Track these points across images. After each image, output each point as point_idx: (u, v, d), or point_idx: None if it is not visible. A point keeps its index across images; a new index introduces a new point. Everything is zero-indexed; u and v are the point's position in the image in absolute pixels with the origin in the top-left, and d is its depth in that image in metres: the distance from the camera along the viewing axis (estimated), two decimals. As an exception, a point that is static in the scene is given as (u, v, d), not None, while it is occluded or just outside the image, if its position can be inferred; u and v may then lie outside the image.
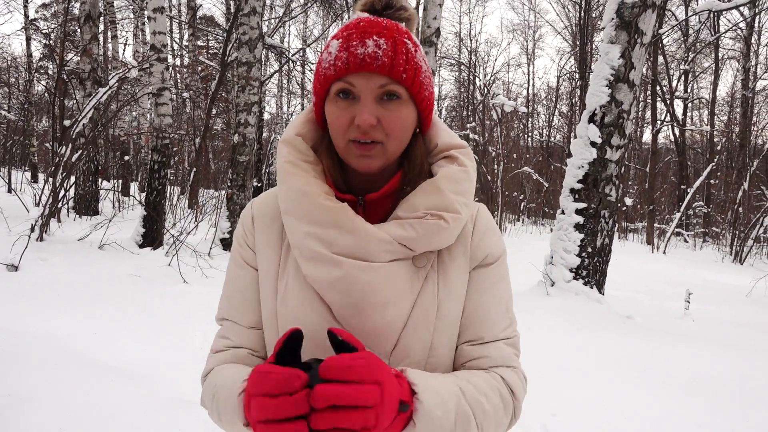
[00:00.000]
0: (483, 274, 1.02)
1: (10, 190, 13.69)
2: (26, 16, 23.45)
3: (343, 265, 0.89)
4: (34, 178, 18.60)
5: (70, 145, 6.66)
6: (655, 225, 20.49)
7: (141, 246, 7.73)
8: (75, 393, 2.99)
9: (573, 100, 29.43)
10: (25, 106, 19.48)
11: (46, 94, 9.53)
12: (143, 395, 3.05)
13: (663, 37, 20.62)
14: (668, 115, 21.81)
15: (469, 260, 1.01)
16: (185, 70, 20.98)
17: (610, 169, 6.32)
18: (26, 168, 20.38)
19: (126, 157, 15.03)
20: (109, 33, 17.40)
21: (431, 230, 0.92)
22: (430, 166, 1.02)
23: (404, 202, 0.95)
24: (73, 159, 7.02)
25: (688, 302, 6.82)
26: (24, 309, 4.40)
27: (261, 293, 1.02)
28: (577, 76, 26.36)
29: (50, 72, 9.38)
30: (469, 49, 36.36)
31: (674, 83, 25.21)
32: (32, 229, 6.67)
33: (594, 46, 24.66)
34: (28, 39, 24.12)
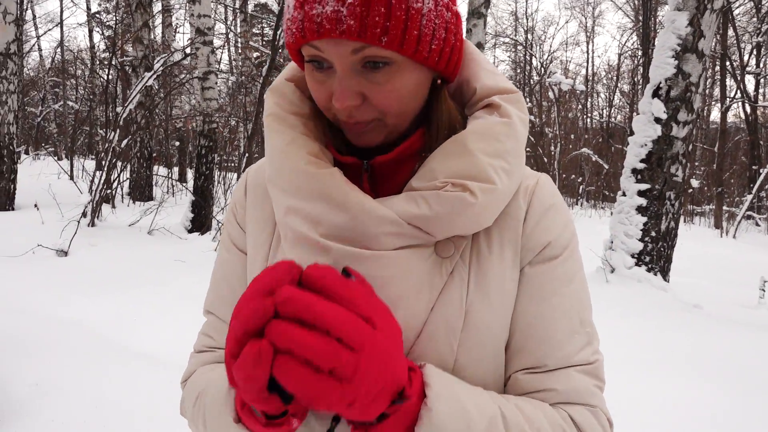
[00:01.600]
0: (543, 273, 0.75)
1: (72, 178, 14.15)
2: (89, 9, 24.21)
3: (332, 251, 0.67)
4: (99, 167, 19.15)
5: (118, 130, 6.67)
6: (724, 208, 19.47)
7: (189, 231, 7.75)
8: (103, 382, 2.91)
9: (635, 79, 28.26)
10: (90, 96, 20.10)
11: (109, 85, 9.68)
12: (172, 383, 2.95)
13: (734, 8, 19.42)
14: (739, 91, 20.61)
15: (520, 252, 0.75)
16: (239, 55, 21.17)
17: (676, 147, 5.86)
18: (92, 156, 21.10)
19: (177, 143, 15.26)
20: (163, 20, 17.68)
21: (451, 206, 0.67)
22: (466, 119, 0.77)
23: (421, 168, 0.71)
24: (122, 145, 7.04)
25: (763, 290, 6.32)
26: (67, 295, 4.41)
27: (249, 278, 0.82)
28: (640, 53, 25.26)
29: (113, 62, 9.49)
30: (525, 28, 35.36)
31: (745, 57, 23.79)
32: (84, 215, 6.75)
33: (657, 21, 23.53)
34: (91, 31, 24.91)
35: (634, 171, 6.02)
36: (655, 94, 5.92)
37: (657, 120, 5.87)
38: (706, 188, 23.86)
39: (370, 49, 0.65)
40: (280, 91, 0.79)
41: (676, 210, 5.96)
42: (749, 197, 16.61)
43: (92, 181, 7.22)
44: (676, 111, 5.82)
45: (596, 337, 0.77)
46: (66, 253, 5.63)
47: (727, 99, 20.17)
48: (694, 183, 16.99)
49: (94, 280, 4.84)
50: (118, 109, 7.56)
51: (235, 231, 0.86)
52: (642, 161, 5.95)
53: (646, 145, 5.93)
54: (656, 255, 5.91)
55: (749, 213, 20.48)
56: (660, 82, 5.87)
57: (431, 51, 0.69)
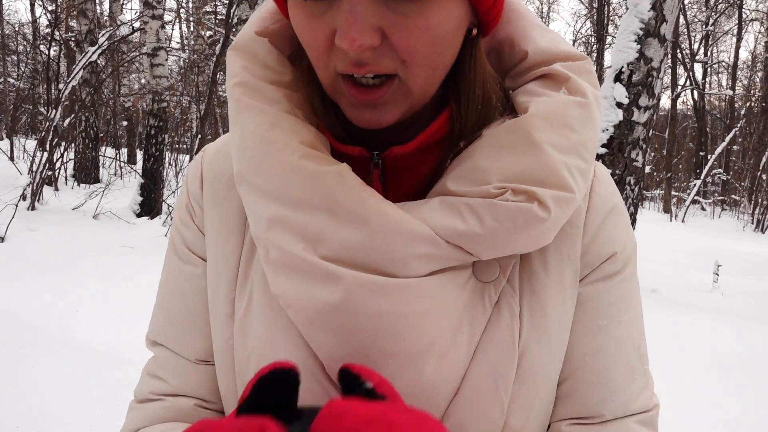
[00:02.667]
0: (601, 294, 0.59)
1: (12, 159, 13.44)
2: (29, -20, 22.93)
3: (342, 280, 0.49)
4: (41, 147, 18.30)
5: (60, 109, 6.28)
6: (672, 193, 19.97)
7: (138, 215, 7.41)
8: (47, 376, 2.68)
9: (589, 65, 28.57)
10: (32, 73, 19.15)
11: (52, 61, 9.10)
12: (119, 380, 2.73)
13: (685, -3, 19.84)
14: (688, 79, 21.10)
15: (579, 267, 0.59)
16: (191, 32, 20.48)
17: (637, 132, 5.86)
18: (35, 137, 20.12)
19: (125, 123, 14.66)
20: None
21: (512, 222, 0.50)
22: (507, 95, 0.59)
23: (460, 163, 0.53)
24: (65, 124, 6.64)
25: (717, 274, 6.43)
26: (2, 284, 4.09)
27: (210, 306, 0.62)
28: (594, 39, 25.55)
29: (56, 38, 8.96)
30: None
31: (694, 46, 24.34)
32: (23, 198, 6.36)
33: (612, 9, 23.84)
34: (33, 3, 23.70)
35: (596, 156, 5.99)
36: (617, 78, 5.90)
37: (619, 105, 5.85)
38: (655, 173, 24.44)
39: None
40: (249, 50, 0.58)
41: (635, 195, 5.97)
42: (697, 182, 17.07)
43: (32, 162, 6.80)
44: (638, 96, 5.81)
45: (651, 374, 0.62)
46: (2, 239, 5.27)
47: (678, 86, 20.63)
48: (646, 168, 17.35)
49: (31, 268, 4.52)
50: (61, 86, 7.14)
51: (191, 234, 0.65)
52: (603, 146, 5.93)
53: (607, 129, 5.91)
54: (616, 240, 5.93)
55: (696, 198, 21.10)
56: (622, 66, 5.84)
57: None
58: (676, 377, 3.38)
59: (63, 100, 6.33)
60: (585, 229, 0.59)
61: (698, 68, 25.01)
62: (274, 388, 0.40)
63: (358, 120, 0.53)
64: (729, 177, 23.06)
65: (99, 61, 8.34)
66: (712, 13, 22.83)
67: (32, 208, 6.52)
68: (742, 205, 20.84)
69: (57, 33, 8.70)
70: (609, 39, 24.34)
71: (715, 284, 6.41)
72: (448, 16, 0.49)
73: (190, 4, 22.69)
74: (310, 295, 0.50)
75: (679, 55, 20.29)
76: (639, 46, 5.74)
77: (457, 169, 0.53)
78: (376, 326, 0.50)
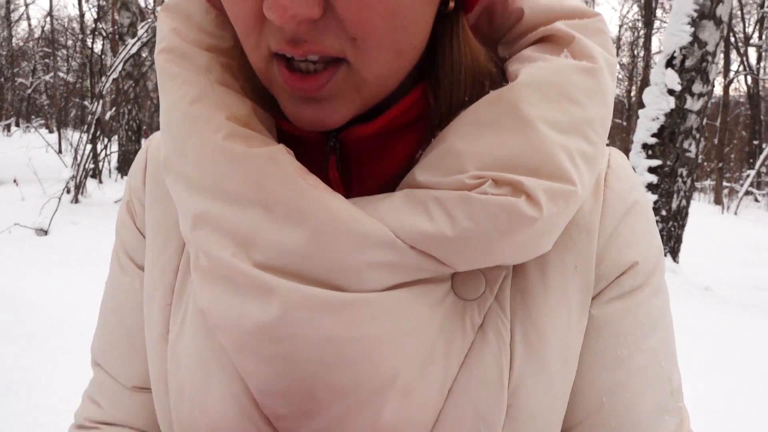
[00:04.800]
0: (620, 316, 0.47)
1: (60, 151, 13.81)
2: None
3: (277, 294, 0.39)
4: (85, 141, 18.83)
5: (101, 102, 6.34)
6: (724, 183, 19.28)
7: (179, 207, 7.48)
8: (81, 369, 2.66)
9: (635, 51, 27.82)
10: (82, 67, 19.67)
11: (102, 55, 9.25)
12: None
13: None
14: (742, 64, 20.27)
15: (591, 281, 0.47)
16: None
17: (690, 120, 5.57)
18: (84, 129, 20.70)
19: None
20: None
21: (492, 222, 0.39)
22: (501, 68, 0.47)
23: (432, 149, 0.42)
24: (107, 117, 6.71)
25: (777, 273, 6.11)
26: (43, 276, 4.16)
27: (146, 325, 0.52)
28: (641, 24, 24.81)
29: (99, 31, 9.13)
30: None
31: (749, 29, 23.36)
32: (67, 191, 6.46)
33: (660, -8, 23.09)
34: (80, 1, 24.34)
35: (645, 146, 5.73)
36: (669, 64, 5.61)
37: (670, 92, 5.57)
38: (705, 163, 23.64)
39: None
40: (182, 10, 0.47)
41: (687, 188, 5.70)
42: (752, 173, 16.38)
43: (75, 155, 6.90)
44: (691, 82, 5.52)
45: (686, 410, 0.50)
46: (46, 232, 5.35)
47: (731, 72, 19.84)
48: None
49: (72, 261, 4.58)
50: (103, 79, 7.21)
51: (130, 237, 0.55)
52: (654, 135, 5.66)
53: (658, 118, 5.64)
54: (666, 235, 5.67)
55: (749, 189, 20.31)
56: (674, 51, 5.55)
57: None
58: (734, 384, 3.18)
59: (104, 93, 6.39)
60: (601, 232, 0.47)
61: (752, 52, 24.04)
62: None
63: (297, 118, 0.42)
64: (785, 166, 22.14)
65: (142, 54, 8.41)
66: (768, -5, 21.83)
67: (76, 201, 6.61)
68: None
69: (102, 26, 8.82)
70: (657, 24, 23.57)
71: (775, 282, 6.09)
72: None
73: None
74: (239, 313, 0.40)
75: (732, 39, 19.48)
76: (693, 29, 5.44)
77: (429, 154, 0.42)
78: (320, 354, 0.40)
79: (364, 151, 0.45)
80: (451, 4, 0.42)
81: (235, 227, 0.40)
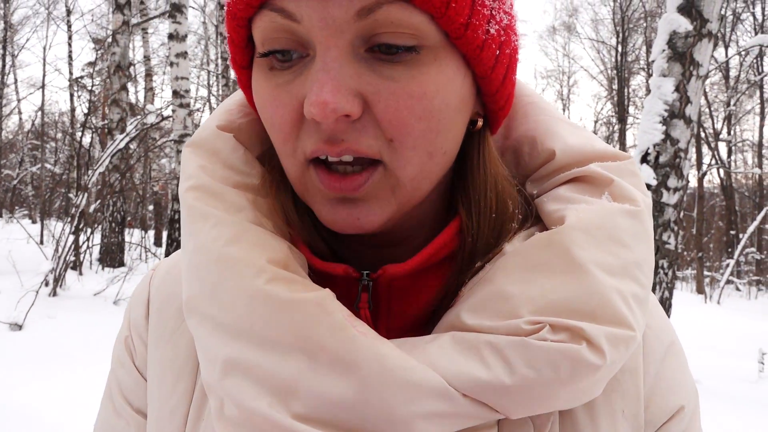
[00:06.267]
0: None
1: (42, 242, 13.68)
2: (71, 73, 24.23)
3: None
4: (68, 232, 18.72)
5: (86, 194, 6.36)
6: (705, 273, 19.47)
7: (160, 300, 7.34)
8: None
9: (611, 144, 28.79)
10: (69, 159, 19.91)
11: (90, 148, 9.44)
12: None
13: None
14: (713, 158, 21.01)
15: (641, 427, 0.45)
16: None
17: (667, 214, 5.69)
18: (68, 221, 20.59)
19: (151, 207, 14.96)
20: (145, 85, 17.70)
21: (554, 370, 0.38)
22: (529, 203, 0.48)
23: (478, 289, 0.42)
24: (91, 209, 6.71)
25: (762, 363, 6.05)
26: (15, 375, 3.98)
27: None
28: (614, 119, 25.84)
29: (89, 125, 9.36)
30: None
31: (717, 125, 24.42)
32: (46, 284, 6.34)
33: (631, 91, 24.24)
34: (72, 96, 24.94)
35: (625, 238, 5.83)
36: (644, 160, 5.80)
37: (647, 186, 5.72)
38: (685, 252, 23.96)
39: (390, 9, 0.36)
40: (209, 147, 0.46)
41: (669, 279, 5.74)
42: (731, 262, 16.60)
43: (56, 248, 6.83)
44: (666, 177, 5.69)
45: None
46: (20, 327, 5.19)
47: (704, 165, 20.53)
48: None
49: (47, 358, 4.41)
50: (90, 172, 7.29)
51: (128, 377, 0.52)
52: (633, 228, 5.78)
53: (636, 211, 5.77)
54: (651, 326, 5.66)
55: (730, 278, 20.49)
56: (648, 148, 5.76)
57: (488, 37, 0.39)
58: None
59: (90, 186, 6.42)
60: (645, 378, 0.45)
61: (722, 147, 24.99)
62: None
63: (334, 221, 0.41)
64: (763, 256, 22.46)
65: (130, 147, 8.55)
66: (734, 93, 22.99)
67: (54, 294, 6.48)
68: (780, 285, 20.17)
69: (92, 121, 9.01)
70: (630, 119, 24.56)
71: (761, 374, 6.02)
72: (446, 86, 0.39)
73: (220, 92, 23.63)
74: None
75: (703, 135, 20.30)
76: (664, 128, 5.68)
77: (474, 297, 0.41)
78: None
79: (396, 288, 0.44)
80: (480, 122, 0.44)
81: (274, 376, 0.38)
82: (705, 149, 21.95)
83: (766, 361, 6.17)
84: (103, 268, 10.32)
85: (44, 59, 24.11)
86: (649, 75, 5.78)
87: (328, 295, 0.40)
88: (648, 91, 5.90)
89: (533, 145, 0.48)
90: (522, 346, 0.38)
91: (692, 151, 5.52)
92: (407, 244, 0.44)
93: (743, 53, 18.77)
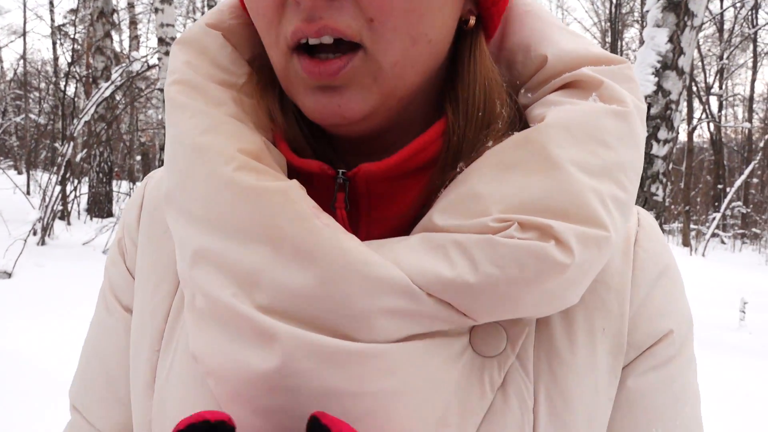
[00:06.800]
0: (652, 388, 0.45)
1: (28, 193, 13.57)
2: (53, 21, 23.58)
3: (279, 341, 0.36)
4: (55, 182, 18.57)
5: (72, 144, 6.28)
6: (691, 226, 19.71)
7: (149, 250, 7.36)
8: (47, 420, 2.55)
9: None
10: (53, 109, 19.57)
11: (75, 98, 9.30)
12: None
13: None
14: (704, 112, 20.99)
15: (622, 347, 0.44)
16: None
17: (656, 165, 5.72)
18: (54, 171, 20.41)
19: (139, 158, 14.82)
20: (130, 33, 17.26)
21: (519, 268, 0.37)
22: (523, 112, 0.46)
23: (451, 189, 0.41)
24: (77, 158, 6.64)
25: (743, 312, 6.19)
26: (4, 321, 4.01)
27: (130, 371, 0.49)
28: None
29: (77, 75, 9.16)
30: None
31: (710, 79, 24.31)
32: (34, 233, 6.32)
33: (625, 43, 23.99)
34: (55, 44, 24.34)
35: (614, 190, 5.86)
36: (634, 111, 5.80)
37: (637, 137, 5.73)
38: (672, 206, 24.18)
39: None
40: (198, 44, 0.46)
41: (656, 230, 5.81)
42: (717, 216, 16.78)
43: (44, 197, 6.78)
44: (657, 129, 5.68)
45: None
46: (9, 275, 5.20)
47: (694, 119, 20.52)
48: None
49: (36, 305, 4.44)
50: (75, 121, 7.18)
51: (118, 276, 0.53)
52: (621, 180, 5.80)
53: (625, 163, 5.79)
54: (637, 277, 5.76)
55: (716, 231, 20.75)
56: (639, 99, 5.74)
57: None
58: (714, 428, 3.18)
59: (76, 135, 6.33)
60: (633, 296, 0.44)
61: (713, 101, 24.94)
62: None
63: (315, 109, 0.40)
64: (749, 210, 22.71)
65: (115, 97, 8.39)
66: (727, 47, 22.81)
67: (42, 243, 6.48)
68: (764, 238, 20.47)
69: (75, 70, 8.81)
70: (623, 72, 24.35)
71: (741, 322, 6.18)
72: None
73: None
74: (236, 360, 0.37)
75: (695, 89, 20.21)
76: (657, 79, 5.64)
77: (447, 198, 0.40)
78: (322, 410, 0.36)
79: (374, 193, 0.43)
80: (471, 21, 0.43)
81: (239, 265, 0.37)
82: (696, 103, 21.91)
83: (748, 310, 6.31)
84: (91, 218, 10.29)
85: (24, 5, 23.38)
86: (643, 27, 5.72)
87: (294, 185, 0.39)
88: (641, 42, 5.83)
89: (527, 52, 0.46)
90: (487, 244, 0.37)
91: (683, 104, 5.51)
92: (393, 151, 0.42)
93: (738, 5, 18.53)
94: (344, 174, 0.42)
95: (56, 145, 19.57)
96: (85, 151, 6.98)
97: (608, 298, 0.44)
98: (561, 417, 0.41)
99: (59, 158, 6.69)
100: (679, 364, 0.46)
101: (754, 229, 22.07)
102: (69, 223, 8.84)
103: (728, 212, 22.76)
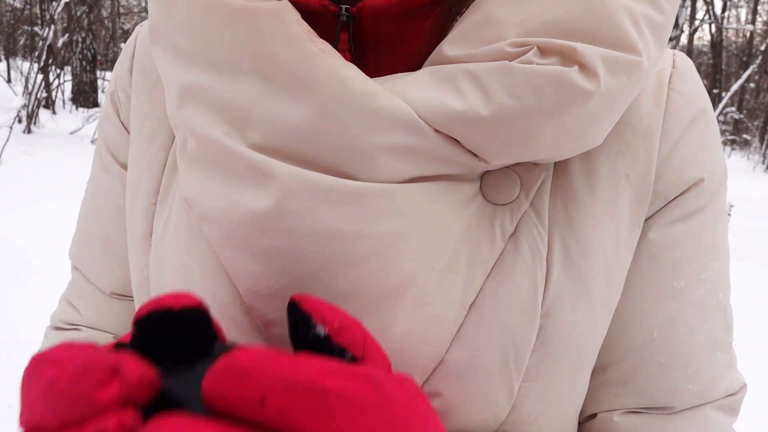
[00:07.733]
0: (680, 240, 0.41)
1: (9, 81, 13.16)
2: None
3: (274, 179, 0.33)
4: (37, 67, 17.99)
5: (53, 27, 6.00)
6: (684, 131, 19.79)
7: (138, 141, 7.27)
8: (40, 304, 2.60)
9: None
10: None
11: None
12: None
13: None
14: (707, 13, 20.38)
15: (647, 196, 0.40)
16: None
17: (658, 64, 5.62)
18: (35, 58, 19.74)
19: (121, 45, 14.30)
20: None
21: (537, 96, 0.32)
22: None
23: (464, 18, 0.35)
24: (59, 43, 6.38)
25: (729, 215, 6.31)
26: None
27: (127, 226, 0.47)
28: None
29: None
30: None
31: (717, -23, 23.44)
32: (19, 120, 6.18)
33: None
34: None
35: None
36: (641, 5, 5.61)
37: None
38: (666, 111, 24.09)
39: None
40: None
41: (652, 131, 5.81)
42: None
43: (26, 83, 6.57)
44: (661, 25, 5.54)
45: (734, 348, 0.46)
46: (-3, 162, 5.14)
47: (696, 20, 19.95)
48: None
49: (27, 192, 4.43)
50: (54, 4, 6.81)
51: (113, 131, 0.50)
52: (621, 78, 5.71)
53: (626, 61, 5.67)
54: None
55: (707, 137, 20.76)
56: (647, -7, 5.54)
57: None
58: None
59: (56, 18, 6.04)
60: (663, 140, 0.40)
61: (718, 2, 24.17)
62: (174, 318, 0.26)
63: None
64: (742, 116, 22.64)
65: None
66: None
67: (28, 131, 6.36)
68: (753, 145, 20.56)
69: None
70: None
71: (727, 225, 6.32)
72: None
73: None
74: (230, 202, 0.34)
75: (700, -13, 19.53)
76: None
77: (459, 27, 0.35)
78: (321, 251, 0.34)
79: (381, 34, 0.38)
80: None
81: (229, 101, 0.34)
82: (700, 3, 21.23)
83: (734, 214, 6.43)
84: (76, 108, 10.06)
85: None
86: None
87: (285, 5, 0.34)
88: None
89: None
90: (502, 72, 0.32)
91: (688, 1, 5.31)
92: None
93: None
94: (348, 10, 0.37)
95: (36, 29, 18.80)
96: (66, 36, 6.67)
97: (634, 141, 0.40)
98: (576, 266, 0.38)
99: (40, 43, 6.42)
100: (708, 217, 0.42)
101: (745, 136, 22.10)
102: (54, 112, 8.64)
103: (721, 118, 22.67)
